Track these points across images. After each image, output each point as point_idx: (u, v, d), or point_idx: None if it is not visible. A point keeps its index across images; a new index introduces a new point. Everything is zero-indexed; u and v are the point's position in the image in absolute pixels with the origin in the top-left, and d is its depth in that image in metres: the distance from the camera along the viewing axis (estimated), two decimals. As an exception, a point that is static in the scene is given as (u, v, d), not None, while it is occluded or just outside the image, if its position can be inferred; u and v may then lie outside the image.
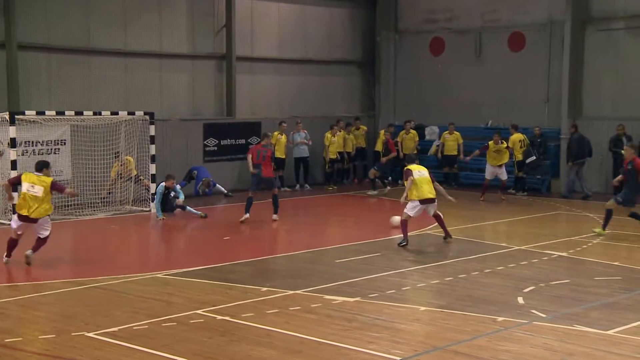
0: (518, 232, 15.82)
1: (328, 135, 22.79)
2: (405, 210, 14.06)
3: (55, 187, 12.37)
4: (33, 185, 12.08)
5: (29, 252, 12.17)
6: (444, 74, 24.63)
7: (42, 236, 12.28)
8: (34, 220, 12.11)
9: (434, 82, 24.81)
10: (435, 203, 14.16)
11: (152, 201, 17.63)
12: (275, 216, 16.54)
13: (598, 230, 15.00)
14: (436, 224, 14.58)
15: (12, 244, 12.35)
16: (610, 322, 9.16)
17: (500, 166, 20.10)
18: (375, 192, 21.24)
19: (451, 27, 24.66)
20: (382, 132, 23.03)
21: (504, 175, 20.21)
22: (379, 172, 21.36)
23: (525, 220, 17.23)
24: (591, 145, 20.85)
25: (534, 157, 21.27)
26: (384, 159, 21.45)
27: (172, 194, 17.66)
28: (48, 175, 12.51)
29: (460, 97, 24.11)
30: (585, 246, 13.94)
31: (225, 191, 20.78)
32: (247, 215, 16.31)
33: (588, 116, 21.90)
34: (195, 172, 20.42)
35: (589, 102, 22.01)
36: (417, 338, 8.58)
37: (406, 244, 13.90)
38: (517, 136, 21.26)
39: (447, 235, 14.38)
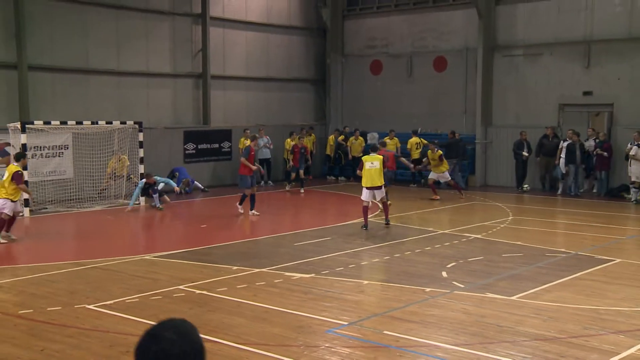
0: (442, 219, 16.00)
1: (288, 140, 22.73)
2: (361, 197, 14.17)
3: (14, 178, 12.34)
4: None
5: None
6: (382, 90, 24.78)
7: None
8: None
9: (374, 97, 24.94)
10: (381, 190, 14.08)
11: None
12: (253, 211, 15.67)
13: None
14: (380, 210, 14.66)
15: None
16: (514, 289, 9.35)
17: (443, 172, 19.13)
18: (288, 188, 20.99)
19: (388, 51, 24.81)
20: (331, 137, 23.17)
21: (445, 178, 19.27)
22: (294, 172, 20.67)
23: (447, 210, 17.46)
24: (466, 149, 21.28)
25: (426, 158, 21.54)
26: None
27: (161, 185, 17.41)
28: (19, 166, 12.51)
29: (396, 109, 24.28)
30: (495, 230, 14.17)
31: (202, 187, 20.58)
32: (252, 211, 15.64)
33: (496, 125, 22.26)
34: (177, 173, 20.16)
35: (497, 113, 22.36)
36: (361, 306, 8.63)
37: (366, 228, 13.96)
38: (414, 139, 21.88)
39: (387, 221, 14.48)
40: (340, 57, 25.89)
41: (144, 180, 17.18)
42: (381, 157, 14.28)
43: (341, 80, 25.93)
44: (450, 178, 19.41)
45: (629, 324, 7.84)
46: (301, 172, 20.43)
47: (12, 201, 12.48)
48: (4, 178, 12.45)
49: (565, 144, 19.66)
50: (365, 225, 14.08)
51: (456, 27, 23.15)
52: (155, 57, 20.86)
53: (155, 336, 1.99)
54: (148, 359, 1.96)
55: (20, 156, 12.83)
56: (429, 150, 19.40)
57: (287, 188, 20.84)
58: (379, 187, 14.03)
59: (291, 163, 20.97)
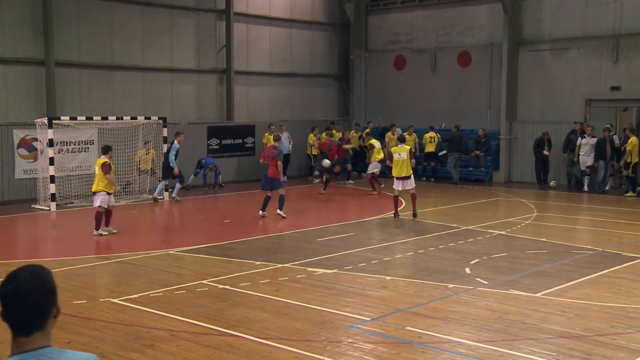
0: (466, 215, 15.85)
1: (311, 135, 22.72)
2: (393, 187, 14.82)
3: (103, 168, 12.73)
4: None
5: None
6: (405, 86, 24.66)
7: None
8: (93, 194, 12.91)
9: (398, 93, 24.83)
10: (411, 180, 14.69)
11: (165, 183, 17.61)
12: (279, 211, 14.83)
13: None
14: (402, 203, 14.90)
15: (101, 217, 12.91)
16: (538, 286, 9.24)
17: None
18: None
19: (411, 47, 24.68)
20: (352, 132, 23.24)
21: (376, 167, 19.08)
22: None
23: (471, 206, 17.32)
24: (467, 144, 21.62)
25: (445, 151, 21.55)
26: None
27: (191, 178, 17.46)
28: (106, 158, 12.91)
29: (419, 105, 24.16)
30: (519, 226, 14.03)
31: (221, 182, 20.62)
32: (262, 212, 14.91)
33: (521, 120, 22.03)
34: (203, 161, 20.29)
35: (522, 109, 22.13)
36: (384, 302, 8.59)
37: (397, 216, 14.65)
38: (429, 134, 21.94)
39: (414, 212, 14.66)
40: (364, 52, 25.81)
41: (175, 141, 17.07)
42: (408, 147, 14.92)
43: (364, 75, 25.85)
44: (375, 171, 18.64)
45: (657, 323, 7.71)
46: (337, 167, 19.64)
47: (107, 194, 12.79)
48: (97, 172, 12.88)
49: (592, 140, 19.32)
50: (396, 214, 14.70)
51: (481, 22, 22.93)
52: (179, 52, 20.99)
53: (13, 276, 2.49)
54: (5, 293, 2.46)
55: (108, 149, 13.14)
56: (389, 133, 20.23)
57: (350, 182, 21.15)
58: (408, 177, 14.59)
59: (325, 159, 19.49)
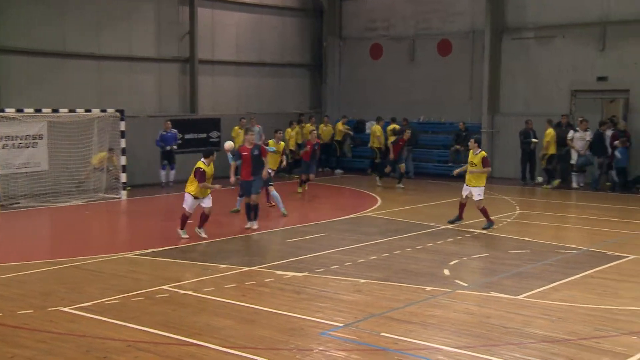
0: (444, 214, 15.91)
1: (289, 130, 22.66)
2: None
3: (195, 174, 12.54)
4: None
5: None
6: (382, 76, 24.73)
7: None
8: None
9: (374, 83, 24.90)
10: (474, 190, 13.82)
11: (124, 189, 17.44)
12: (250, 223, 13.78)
13: None
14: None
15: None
16: (520, 288, 9.36)
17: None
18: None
19: (388, 34, 24.77)
20: (340, 124, 23.45)
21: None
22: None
23: (450, 203, 17.40)
24: (418, 136, 22.07)
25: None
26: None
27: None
28: (207, 164, 12.64)
29: (396, 96, 24.25)
30: (501, 224, 14.18)
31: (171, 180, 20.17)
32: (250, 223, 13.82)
33: (504, 113, 22.26)
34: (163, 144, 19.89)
35: (505, 100, 22.35)
36: (357, 307, 8.61)
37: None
38: (391, 126, 22.03)
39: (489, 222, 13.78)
40: (338, 40, 25.85)
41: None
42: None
43: (339, 65, 25.89)
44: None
45: (643, 325, 7.86)
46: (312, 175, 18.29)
47: (195, 198, 12.57)
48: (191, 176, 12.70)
49: (586, 134, 19.57)
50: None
51: (462, 7, 23.13)
52: (138, 40, 20.78)
53: None
54: None
55: (209, 153, 12.80)
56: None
57: (378, 183, 19.91)
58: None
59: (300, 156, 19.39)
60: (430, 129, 23.75)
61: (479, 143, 14.02)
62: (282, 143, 16.62)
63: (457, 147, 22.08)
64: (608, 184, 19.63)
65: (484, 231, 13.48)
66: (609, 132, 19.48)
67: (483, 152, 13.78)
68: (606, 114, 20.84)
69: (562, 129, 20.26)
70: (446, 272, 10.28)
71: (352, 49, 25.63)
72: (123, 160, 17.92)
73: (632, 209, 16.60)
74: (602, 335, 7.50)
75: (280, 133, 16.72)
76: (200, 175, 12.48)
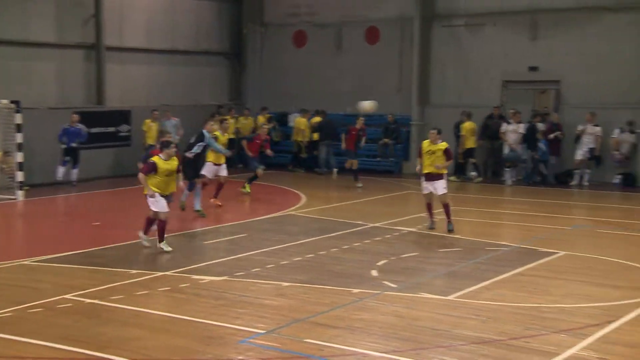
0: (373, 211, 16.16)
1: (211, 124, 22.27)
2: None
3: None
4: None
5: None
6: (306, 65, 24.82)
7: None
8: None
9: (298, 72, 24.96)
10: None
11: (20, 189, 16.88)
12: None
13: None
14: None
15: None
16: (450, 288, 9.63)
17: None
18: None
19: (313, 20, 24.87)
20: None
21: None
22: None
23: (380, 200, 17.73)
24: (337, 130, 21.67)
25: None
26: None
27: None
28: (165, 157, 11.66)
29: (322, 87, 24.38)
30: (423, 220, 14.42)
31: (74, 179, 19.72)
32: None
33: (435, 104, 22.76)
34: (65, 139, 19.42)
35: (436, 91, 22.86)
36: (280, 312, 8.64)
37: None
38: (315, 119, 22.47)
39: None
40: (259, 26, 25.77)
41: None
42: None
43: (260, 53, 25.83)
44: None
45: (571, 322, 8.23)
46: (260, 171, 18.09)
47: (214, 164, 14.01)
48: None
49: (519, 126, 20.22)
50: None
51: (390, -7, 23.46)
52: (36, 23, 20.15)
53: None
54: None
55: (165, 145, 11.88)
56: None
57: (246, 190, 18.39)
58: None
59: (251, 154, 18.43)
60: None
61: (439, 133, 13.62)
62: (226, 135, 16.53)
63: (386, 140, 22.44)
64: (539, 178, 20.40)
65: (412, 229, 13.75)
66: (541, 125, 20.25)
67: (445, 143, 13.50)
68: (538, 105, 21.65)
69: (494, 120, 20.92)
70: (374, 273, 10.44)
71: (274, 36, 25.63)
72: (19, 157, 17.32)
73: (562, 204, 17.32)
74: (532, 334, 7.81)
75: (226, 123, 16.86)
76: (148, 167, 11.54)
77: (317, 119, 22.60)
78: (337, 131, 21.65)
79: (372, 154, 22.90)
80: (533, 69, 21.21)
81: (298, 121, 23.14)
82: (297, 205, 15.67)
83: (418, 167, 14.05)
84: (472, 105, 21.59)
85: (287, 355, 7.22)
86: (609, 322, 8.21)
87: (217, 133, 15.98)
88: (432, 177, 13.44)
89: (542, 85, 21.75)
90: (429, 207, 13.77)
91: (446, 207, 13.53)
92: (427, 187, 13.58)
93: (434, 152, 13.37)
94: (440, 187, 13.48)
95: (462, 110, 20.98)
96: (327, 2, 24.60)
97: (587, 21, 20.46)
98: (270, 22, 25.74)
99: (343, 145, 20.27)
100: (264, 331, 7.90)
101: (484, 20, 21.92)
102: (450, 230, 13.39)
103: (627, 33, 20.03)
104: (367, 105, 20.70)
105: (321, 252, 11.78)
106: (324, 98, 24.01)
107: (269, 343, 7.56)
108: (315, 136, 22.61)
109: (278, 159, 24.10)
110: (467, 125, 20.64)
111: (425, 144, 13.65)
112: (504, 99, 21.80)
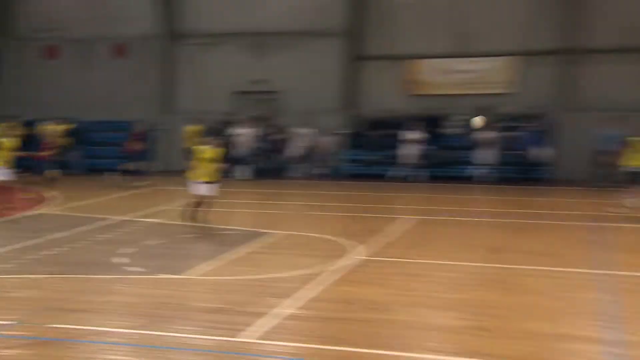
0: (120, 206, 15.68)
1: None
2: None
3: None
4: None
5: None
6: (58, 77, 23.34)
7: None
8: None
9: (49, 84, 23.35)
10: None
11: None
12: None
13: None
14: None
15: None
16: (186, 268, 9.63)
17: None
18: None
19: (64, 36, 23.50)
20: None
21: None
22: None
23: (128, 196, 17.25)
24: (86, 136, 21.80)
25: None
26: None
27: None
28: None
29: (74, 98, 23.10)
30: (173, 213, 14.23)
31: None
32: None
33: (177, 111, 23.00)
34: None
35: (178, 100, 23.11)
36: (30, 303, 7.96)
37: None
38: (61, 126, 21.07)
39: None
40: (10, 40, 23.62)
41: None
42: None
43: (7, 65, 23.66)
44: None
45: (284, 288, 8.74)
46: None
47: None
48: None
49: (249, 130, 21.00)
50: None
51: (138, 12, 23.12)
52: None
53: None
54: None
55: None
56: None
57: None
58: None
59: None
60: (108, 127, 23.14)
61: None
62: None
63: (136, 144, 21.82)
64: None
65: (157, 220, 13.55)
66: (263, 129, 21.40)
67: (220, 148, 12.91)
68: (261, 112, 22.88)
69: (225, 126, 21.63)
70: (119, 260, 10.12)
71: (25, 49, 23.61)
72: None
73: (282, 193, 18.33)
74: (255, 300, 8.13)
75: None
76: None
77: (66, 126, 21.30)
78: (87, 137, 20.98)
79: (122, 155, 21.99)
80: (258, 82, 22.29)
81: (52, 128, 21.40)
82: (47, 205, 14.55)
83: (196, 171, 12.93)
84: (208, 112, 22.01)
85: (34, 342, 6.69)
86: (312, 283, 8.83)
87: None
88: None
89: (265, 95, 22.97)
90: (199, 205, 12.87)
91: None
92: (201, 188, 12.66)
93: (212, 159, 12.73)
94: (216, 188, 12.77)
95: (193, 117, 21.06)
96: (78, 17, 23.39)
97: (301, 43, 21.94)
98: (20, 36, 23.68)
99: (126, 149, 19.26)
100: (13, 322, 7.23)
101: (219, 40, 22.52)
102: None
103: (329, 53, 21.89)
104: (478, 120, 20.63)
105: (71, 245, 11.12)
106: (75, 108, 22.65)
107: (17, 333, 6.93)
108: (66, 141, 21.19)
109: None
110: (188, 129, 20.42)
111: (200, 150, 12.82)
112: (234, 107, 22.59)
